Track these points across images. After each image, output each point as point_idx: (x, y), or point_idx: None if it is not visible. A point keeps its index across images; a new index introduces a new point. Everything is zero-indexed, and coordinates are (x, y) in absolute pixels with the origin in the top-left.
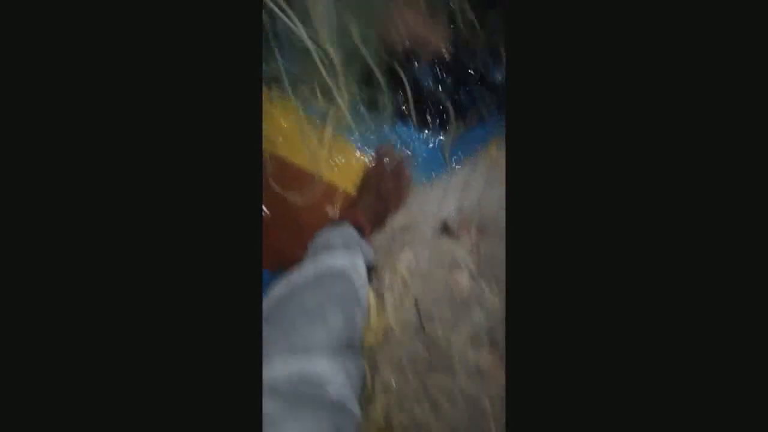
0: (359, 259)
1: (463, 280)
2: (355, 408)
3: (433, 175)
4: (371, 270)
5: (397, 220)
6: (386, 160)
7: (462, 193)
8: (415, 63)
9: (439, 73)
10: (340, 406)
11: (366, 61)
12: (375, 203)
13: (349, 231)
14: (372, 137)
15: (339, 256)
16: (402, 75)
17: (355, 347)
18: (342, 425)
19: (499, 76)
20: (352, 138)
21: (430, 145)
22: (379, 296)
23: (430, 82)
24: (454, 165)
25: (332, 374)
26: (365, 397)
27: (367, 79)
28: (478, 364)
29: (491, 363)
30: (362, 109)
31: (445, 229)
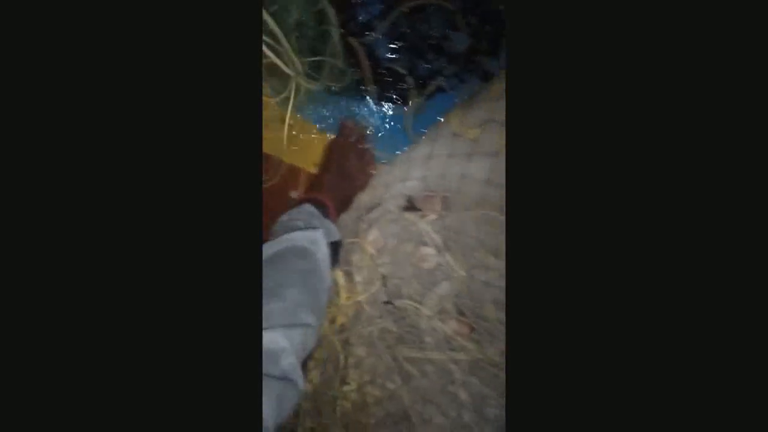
0: (320, 235)
1: (429, 254)
2: (300, 380)
3: (397, 151)
4: (338, 247)
5: (363, 199)
6: (348, 137)
7: (425, 168)
8: (371, 36)
9: (396, 45)
10: (287, 378)
11: (322, 37)
12: (339, 183)
13: (310, 210)
14: (331, 115)
15: (299, 234)
16: (358, 49)
17: (316, 321)
18: (284, 395)
19: (457, 45)
20: (312, 117)
21: (392, 121)
22: (349, 275)
23: (387, 56)
24: (416, 139)
25: (286, 349)
26: (339, 376)
27: (322, 55)
28: (447, 335)
29: (459, 332)
30: (320, 87)
31: (410, 204)
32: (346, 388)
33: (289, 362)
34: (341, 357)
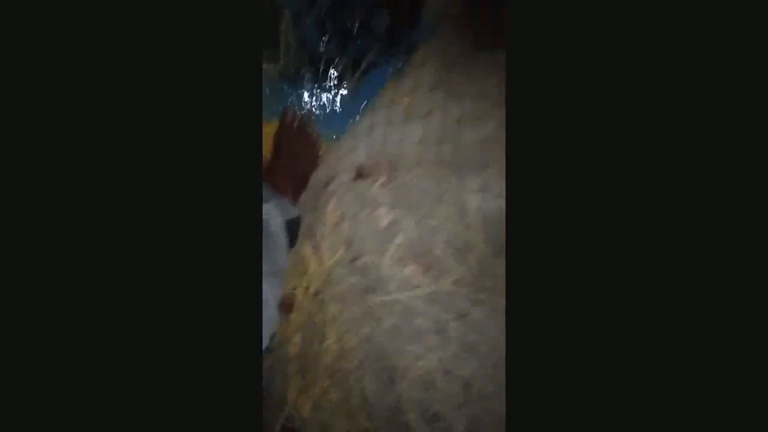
0: (272, 208)
1: (382, 212)
2: (275, 311)
3: (342, 127)
4: (295, 224)
5: (318, 176)
6: (292, 123)
7: (368, 138)
8: (303, 24)
9: (324, 30)
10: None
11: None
12: (291, 165)
13: (264, 188)
14: (276, 103)
15: None
16: (290, 39)
17: (275, 278)
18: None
19: (379, 21)
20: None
21: (333, 101)
22: (315, 246)
23: (318, 41)
24: (358, 114)
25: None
26: (319, 335)
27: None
28: (405, 277)
29: (415, 272)
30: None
31: (360, 173)
32: (326, 343)
33: None
34: (318, 317)
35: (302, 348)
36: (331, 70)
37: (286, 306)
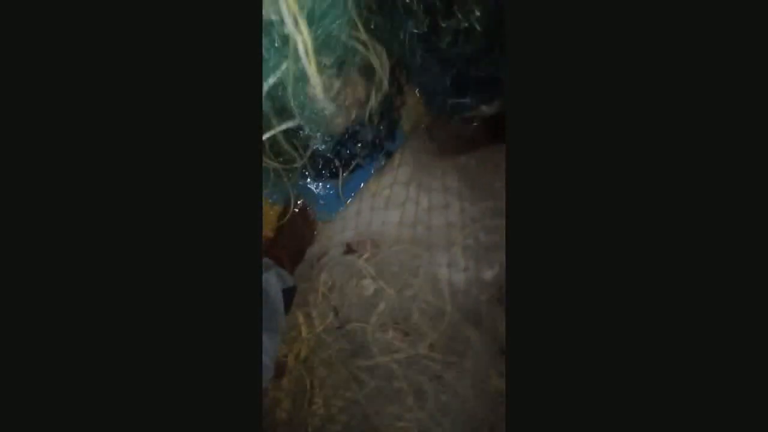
0: (272, 277)
1: (367, 283)
2: (271, 365)
3: (334, 213)
4: (290, 292)
5: (313, 251)
6: (294, 207)
7: (356, 221)
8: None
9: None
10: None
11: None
12: (292, 243)
13: (265, 261)
14: (280, 193)
15: None
16: (298, 148)
17: (275, 332)
18: None
19: (367, 136)
20: (266, 194)
21: (329, 191)
22: (307, 314)
23: (320, 147)
24: (347, 202)
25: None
26: (307, 399)
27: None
28: (387, 342)
29: (395, 338)
30: (271, 174)
31: (349, 249)
32: (314, 407)
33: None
34: (307, 382)
35: (291, 412)
36: (328, 169)
37: (278, 368)
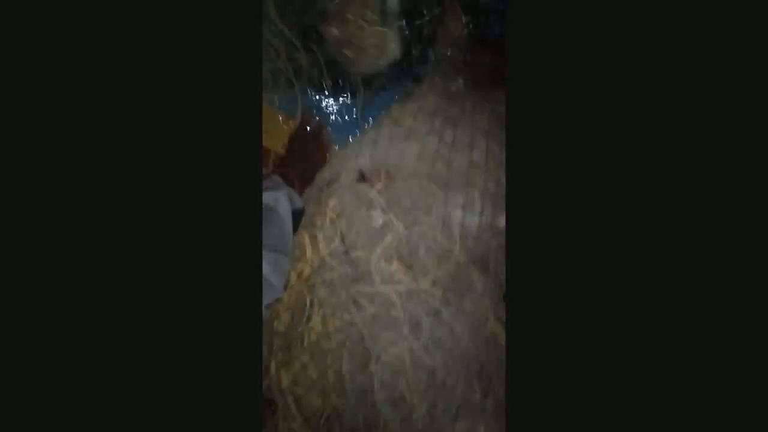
0: (282, 195)
1: (376, 214)
2: (278, 283)
3: (350, 136)
4: (301, 213)
5: (324, 176)
6: (308, 127)
7: (372, 149)
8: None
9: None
10: (267, 281)
11: (288, 44)
12: (302, 164)
13: (275, 179)
14: (295, 106)
15: (265, 194)
16: (318, 55)
17: (284, 252)
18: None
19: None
20: (279, 106)
21: (345, 112)
22: (313, 236)
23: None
24: (365, 126)
25: (265, 264)
26: (306, 315)
27: (290, 58)
28: (390, 272)
29: (398, 270)
30: (282, 78)
31: (361, 177)
32: (311, 323)
33: (267, 272)
34: (307, 300)
35: (289, 325)
36: (347, 85)
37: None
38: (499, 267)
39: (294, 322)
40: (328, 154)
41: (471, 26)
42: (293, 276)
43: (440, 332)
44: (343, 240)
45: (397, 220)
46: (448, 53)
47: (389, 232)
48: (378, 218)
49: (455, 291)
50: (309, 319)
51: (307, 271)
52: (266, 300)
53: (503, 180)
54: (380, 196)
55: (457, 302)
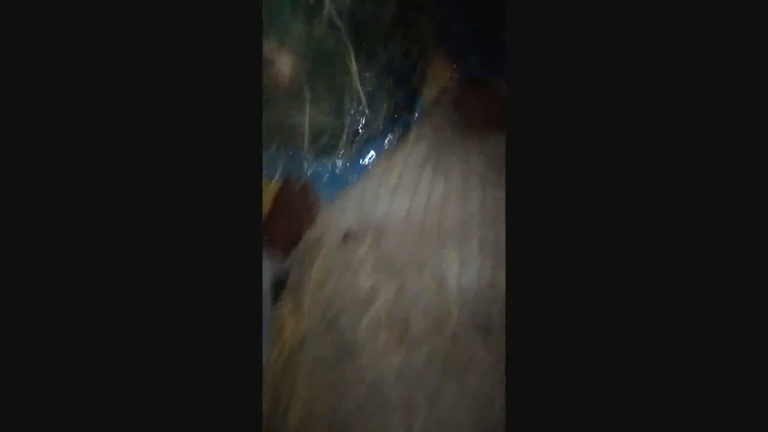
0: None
1: (365, 276)
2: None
3: (334, 194)
4: (280, 285)
5: (311, 236)
6: (292, 188)
7: (358, 206)
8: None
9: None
10: None
11: None
12: (288, 226)
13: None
14: (280, 168)
15: None
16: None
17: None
18: None
19: (381, 103)
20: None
21: (331, 170)
22: (297, 301)
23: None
24: (350, 183)
25: None
26: (283, 406)
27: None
28: (380, 344)
29: (389, 340)
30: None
31: (347, 237)
32: (291, 410)
33: None
34: (288, 380)
35: (267, 412)
36: (331, 140)
37: None
38: (503, 333)
39: (271, 410)
40: (315, 215)
41: (459, 69)
42: (273, 354)
43: (438, 417)
44: (329, 306)
45: (387, 281)
46: (437, 98)
47: (379, 295)
48: (366, 280)
49: (455, 364)
50: (287, 408)
51: (288, 346)
52: None
53: (504, 231)
54: (368, 256)
55: (457, 379)
